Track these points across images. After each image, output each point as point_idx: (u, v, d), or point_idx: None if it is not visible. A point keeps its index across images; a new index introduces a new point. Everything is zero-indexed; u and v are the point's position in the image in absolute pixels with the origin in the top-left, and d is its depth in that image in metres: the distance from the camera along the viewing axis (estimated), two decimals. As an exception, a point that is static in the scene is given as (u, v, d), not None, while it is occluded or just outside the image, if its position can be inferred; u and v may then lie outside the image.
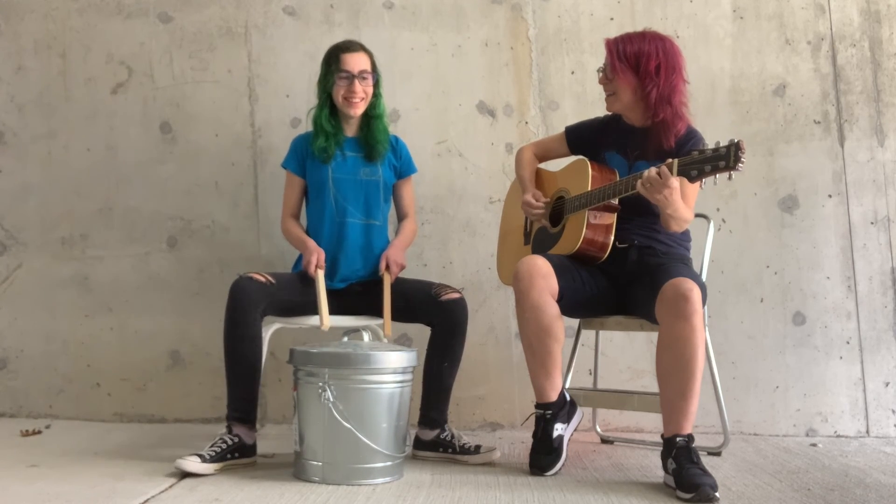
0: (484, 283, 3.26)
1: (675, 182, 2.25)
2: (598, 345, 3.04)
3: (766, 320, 3.18)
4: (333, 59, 2.75)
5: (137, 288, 3.33)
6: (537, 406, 2.44)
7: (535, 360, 2.41)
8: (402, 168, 2.89)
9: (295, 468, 2.35)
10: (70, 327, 3.35)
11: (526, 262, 2.41)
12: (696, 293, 2.21)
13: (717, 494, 2.09)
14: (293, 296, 2.64)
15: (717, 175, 2.16)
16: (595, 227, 2.49)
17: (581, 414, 2.56)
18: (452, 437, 2.62)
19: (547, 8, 3.33)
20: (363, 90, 2.74)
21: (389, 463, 2.30)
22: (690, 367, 2.22)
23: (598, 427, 3.06)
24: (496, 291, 3.25)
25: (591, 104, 3.20)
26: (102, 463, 2.50)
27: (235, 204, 3.33)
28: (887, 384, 3.14)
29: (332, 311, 2.64)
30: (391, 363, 2.31)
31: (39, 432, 3.01)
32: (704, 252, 2.81)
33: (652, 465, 2.52)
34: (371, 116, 2.79)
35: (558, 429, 2.41)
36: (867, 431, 3.12)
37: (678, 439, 2.22)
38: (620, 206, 2.48)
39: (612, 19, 3.30)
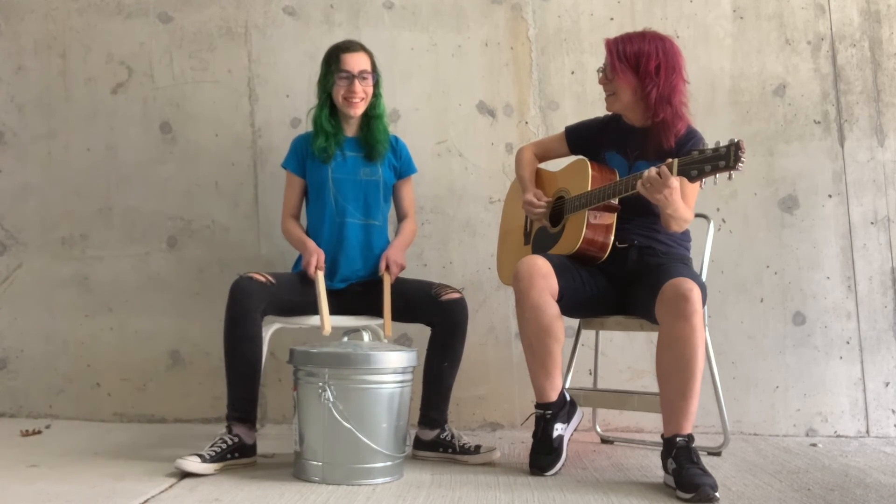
0: (484, 283, 3.26)
1: (675, 182, 2.25)
2: (598, 345, 3.04)
3: (766, 320, 3.18)
4: (333, 59, 2.75)
5: (137, 288, 3.33)
6: (537, 406, 2.44)
7: (535, 360, 2.41)
8: (402, 168, 2.89)
9: (295, 468, 2.35)
10: (70, 327, 3.35)
11: (526, 262, 2.41)
12: (696, 293, 2.21)
13: (717, 494, 2.09)
14: (293, 296, 2.64)
15: (717, 175, 2.16)
16: (595, 227, 2.49)
17: (581, 414, 2.56)
18: (452, 437, 2.62)
19: (547, 8, 3.33)
20: (363, 90, 2.74)
21: (389, 463, 2.30)
22: (690, 367, 2.22)
23: (598, 427, 3.06)
24: (496, 291, 3.25)
25: (591, 104, 3.20)
26: (102, 463, 2.50)
27: (235, 204, 3.33)
28: (887, 384, 3.14)
29: (332, 311, 2.64)
30: (391, 363, 2.31)
31: (39, 432, 3.01)
32: (704, 252, 2.81)
33: (652, 465, 2.52)
34: (371, 116, 2.79)
35: (558, 429, 2.41)
36: (867, 431, 3.12)
37: (678, 439, 2.22)
38: (620, 206, 2.48)
39: (612, 19, 3.30)
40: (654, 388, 2.40)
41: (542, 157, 2.84)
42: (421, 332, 2.75)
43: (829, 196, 3.21)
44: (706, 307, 2.37)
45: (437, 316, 2.63)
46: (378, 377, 2.29)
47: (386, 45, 3.30)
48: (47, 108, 3.41)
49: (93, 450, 2.70)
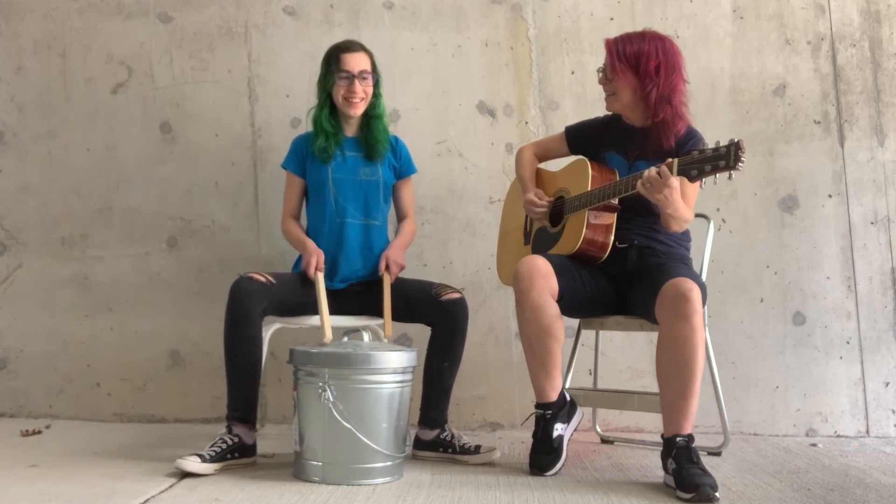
0: (484, 283, 3.26)
1: (675, 182, 2.25)
2: (598, 345, 3.04)
3: (766, 320, 3.18)
4: (333, 59, 2.75)
5: (137, 288, 3.33)
6: (537, 406, 2.44)
7: (535, 360, 2.41)
8: (402, 168, 2.89)
9: (295, 468, 2.35)
10: (70, 327, 3.35)
11: (526, 262, 2.41)
12: (696, 293, 2.21)
13: (717, 494, 2.09)
14: (293, 296, 2.64)
15: (717, 175, 2.16)
16: (595, 227, 2.49)
17: (581, 414, 2.56)
18: (452, 437, 2.62)
19: (547, 8, 3.33)
20: (363, 90, 2.74)
21: (389, 463, 2.30)
22: (690, 367, 2.22)
23: (598, 427, 3.06)
24: (496, 291, 3.25)
25: (591, 104, 3.20)
26: (102, 463, 2.50)
27: (235, 204, 3.33)
28: (887, 384, 3.14)
29: (332, 312, 2.64)
30: (391, 363, 2.31)
31: (39, 432, 3.01)
32: (704, 252, 2.81)
33: (652, 465, 2.52)
34: (371, 116, 2.79)
35: (558, 429, 2.41)
36: (867, 431, 3.12)
37: (678, 439, 2.22)
38: (620, 206, 2.48)
39: (612, 19, 3.30)
40: (654, 388, 2.40)
41: (542, 157, 2.84)
42: (421, 332, 2.75)
43: (829, 196, 3.21)
44: (706, 307, 2.37)
45: (437, 316, 2.63)
46: (378, 377, 2.29)
47: (386, 45, 3.30)
48: (47, 108, 3.41)
49: (93, 450, 2.70)
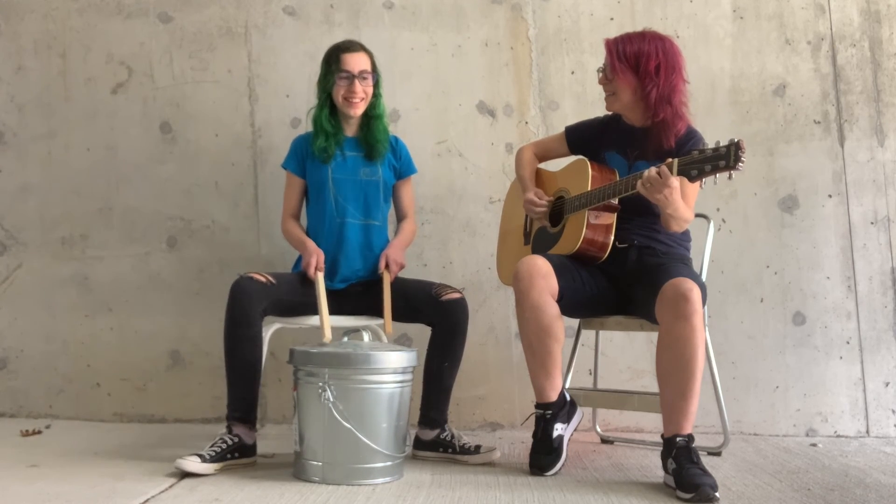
0: (484, 283, 3.26)
1: (675, 182, 2.25)
2: (598, 345, 3.04)
3: (766, 320, 3.18)
4: (333, 59, 2.75)
5: (137, 288, 3.33)
6: (537, 406, 2.44)
7: (535, 360, 2.41)
8: (402, 168, 2.89)
9: (295, 468, 2.35)
10: (70, 327, 3.35)
11: (526, 262, 2.41)
12: (696, 293, 2.21)
13: (717, 494, 2.09)
14: (293, 296, 2.64)
15: (718, 175, 2.16)
16: (595, 227, 2.49)
17: (581, 414, 2.56)
18: (452, 437, 2.62)
19: (547, 8, 3.33)
20: (363, 90, 2.74)
21: (389, 463, 2.30)
22: (690, 367, 2.22)
23: (598, 427, 3.06)
24: (496, 291, 3.25)
25: (591, 104, 3.20)
26: (102, 463, 2.50)
27: (235, 204, 3.33)
28: (887, 384, 3.14)
29: (332, 312, 2.64)
30: (391, 363, 2.31)
31: (39, 432, 3.01)
32: (704, 252, 2.81)
33: (652, 465, 2.52)
34: (371, 116, 2.79)
35: (558, 429, 2.41)
36: (867, 431, 3.12)
37: (678, 439, 2.22)
38: (620, 206, 2.48)
39: (612, 19, 3.30)
40: (654, 388, 2.40)
41: (542, 157, 2.84)
42: (421, 332, 2.75)
43: (829, 196, 3.21)
44: (706, 307, 2.37)
45: (437, 316, 2.63)
46: (378, 377, 2.29)
47: (386, 45, 3.30)
48: (47, 108, 3.41)
49: (93, 450, 2.70)
